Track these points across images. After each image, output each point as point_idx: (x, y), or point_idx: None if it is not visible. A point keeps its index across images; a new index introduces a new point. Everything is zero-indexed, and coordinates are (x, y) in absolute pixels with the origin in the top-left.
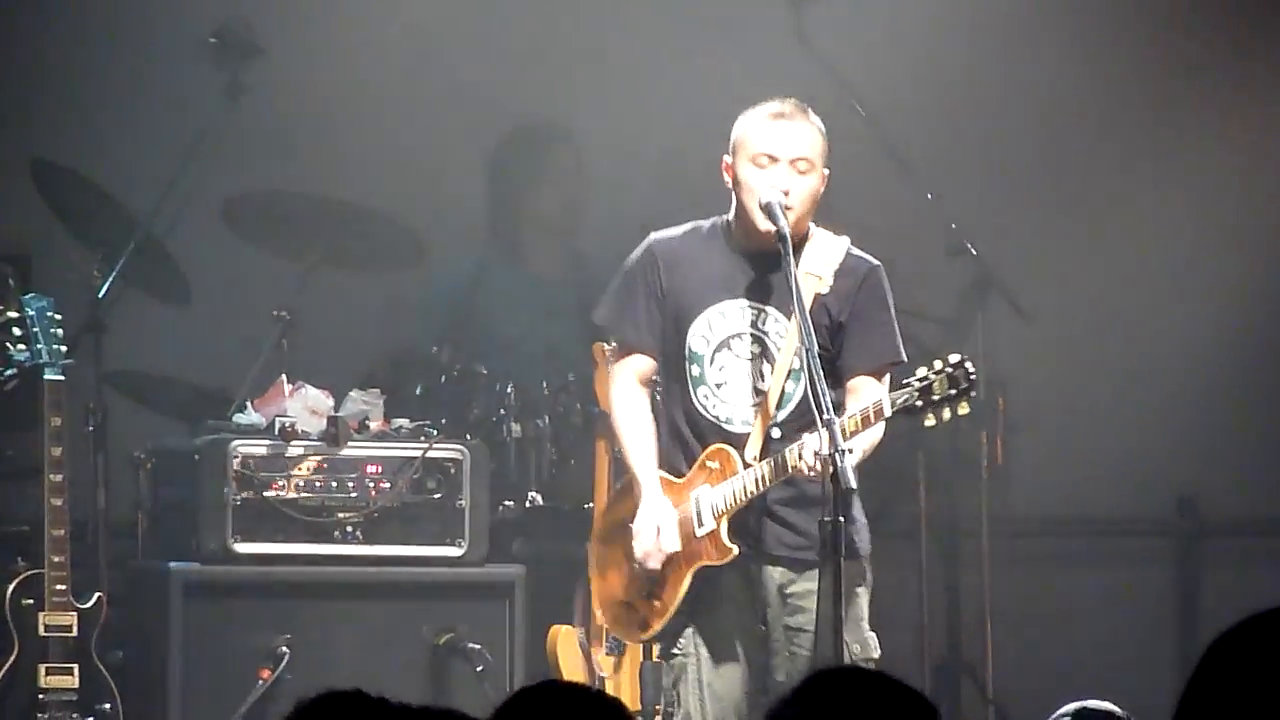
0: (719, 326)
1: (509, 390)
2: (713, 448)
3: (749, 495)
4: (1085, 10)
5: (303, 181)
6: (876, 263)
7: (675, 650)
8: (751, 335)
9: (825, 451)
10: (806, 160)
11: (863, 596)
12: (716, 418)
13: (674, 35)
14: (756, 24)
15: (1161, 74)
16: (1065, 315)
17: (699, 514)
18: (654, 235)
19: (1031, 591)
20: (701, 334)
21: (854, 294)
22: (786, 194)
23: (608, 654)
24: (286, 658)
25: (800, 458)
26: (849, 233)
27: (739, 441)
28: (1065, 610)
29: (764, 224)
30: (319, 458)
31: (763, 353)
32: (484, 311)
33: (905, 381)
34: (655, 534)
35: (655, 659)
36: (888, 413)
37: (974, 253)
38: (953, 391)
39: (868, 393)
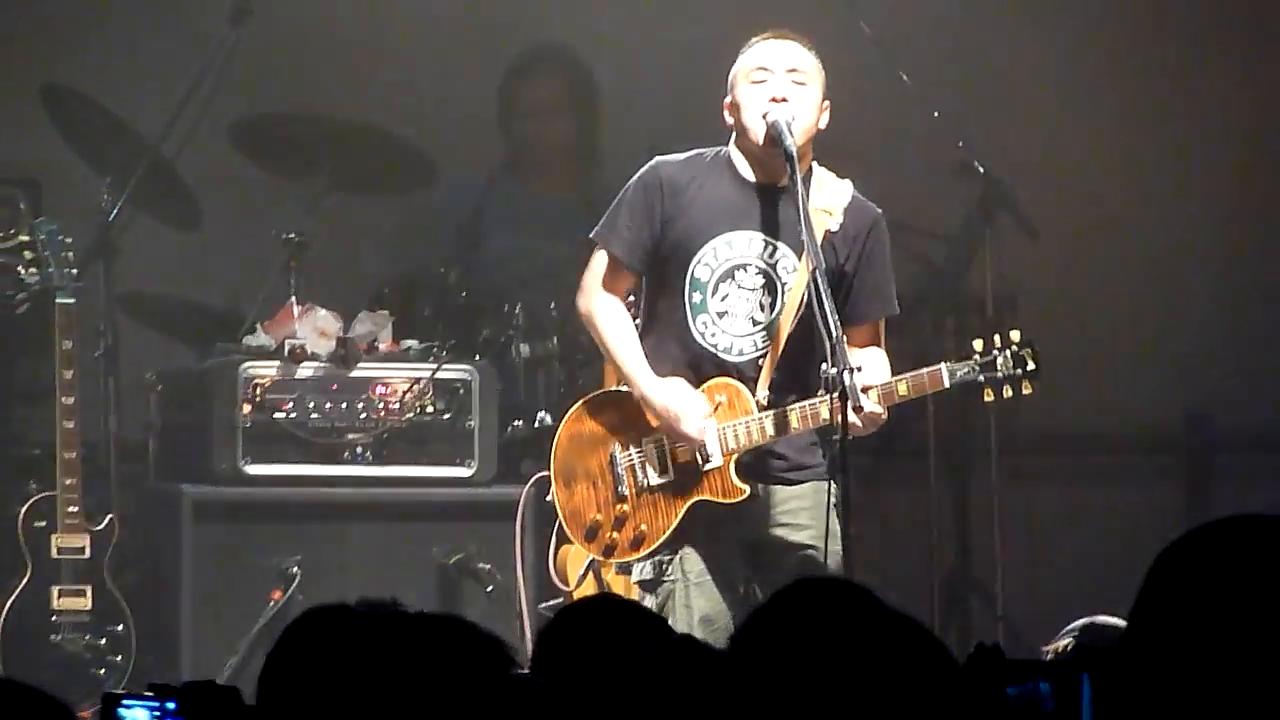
0: (725, 256)
1: (517, 311)
2: (718, 381)
3: (766, 438)
4: None
5: (311, 104)
6: (879, 211)
7: (664, 577)
8: (758, 268)
9: (833, 370)
10: (802, 72)
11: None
12: (714, 346)
13: None
14: None
15: None
16: (1072, 232)
17: (706, 447)
18: (659, 159)
19: (1040, 508)
20: (706, 262)
21: (863, 239)
22: (785, 100)
23: (618, 573)
24: (298, 578)
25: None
26: (857, 154)
27: (736, 372)
28: (1074, 526)
29: (763, 137)
30: (328, 379)
31: (766, 285)
32: (489, 232)
33: (965, 353)
34: (694, 409)
35: (633, 584)
36: (947, 384)
37: (981, 170)
38: (1018, 371)
39: (870, 346)
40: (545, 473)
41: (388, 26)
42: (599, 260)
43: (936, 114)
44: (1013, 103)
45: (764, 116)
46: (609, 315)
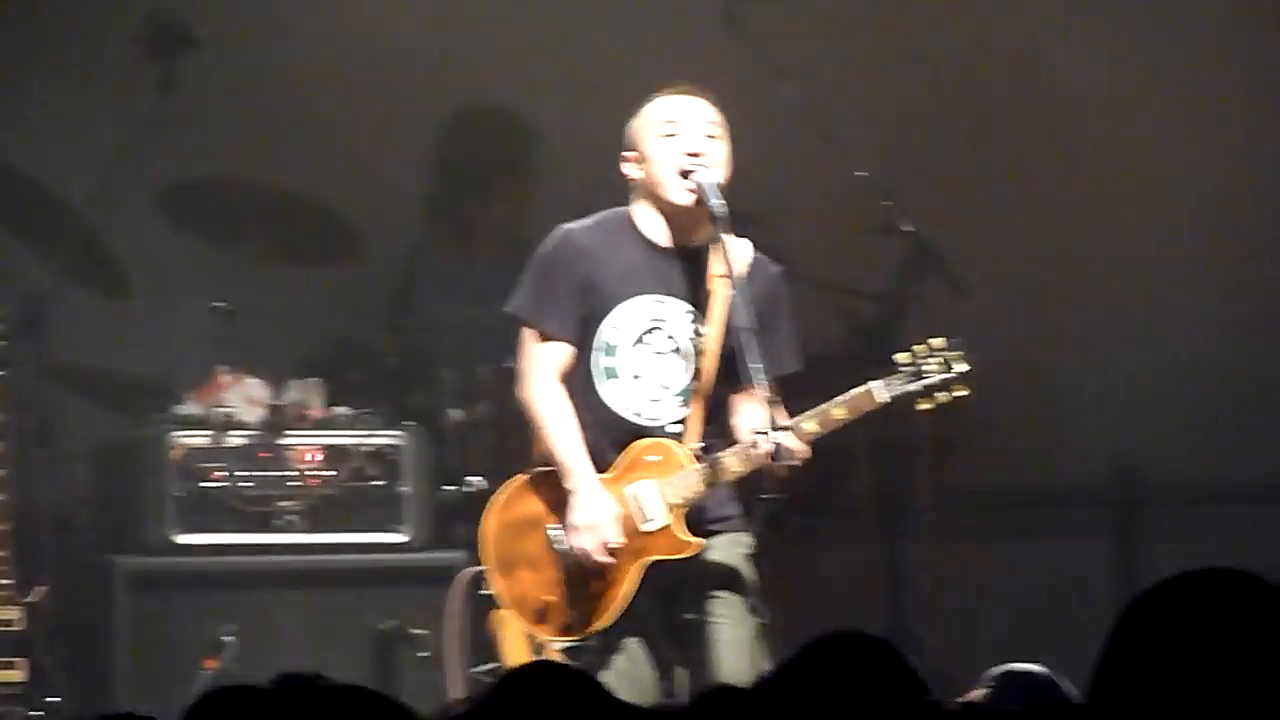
0: (635, 320)
1: (450, 375)
2: (649, 441)
3: (704, 490)
4: None
5: (238, 172)
6: (780, 267)
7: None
8: (667, 332)
9: (767, 429)
10: (715, 124)
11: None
12: (625, 410)
13: (604, 21)
14: (684, 6)
15: (1094, 46)
16: (1001, 288)
17: (643, 508)
18: (565, 227)
19: (972, 563)
20: (616, 326)
21: (763, 297)
22: (702, 154)
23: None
24: (231, 647)
25: (774, 447)
26: (780, 214)
27: (657, 436)
28: (1006, 580)
29: (680, 197)
30: (259, 447)
31: (677, 349)
32: (419, 297)
33: (897, 368)
34: (602, 529)
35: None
36: (883, 398)
37: (908, 229)
38: (949, 375)
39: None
40: (476, 568)
41: (315, 94)
42: (531, 340)
43: (864, 173)
44: (940, 157)
45: (683, 174)
46: (550, 403)
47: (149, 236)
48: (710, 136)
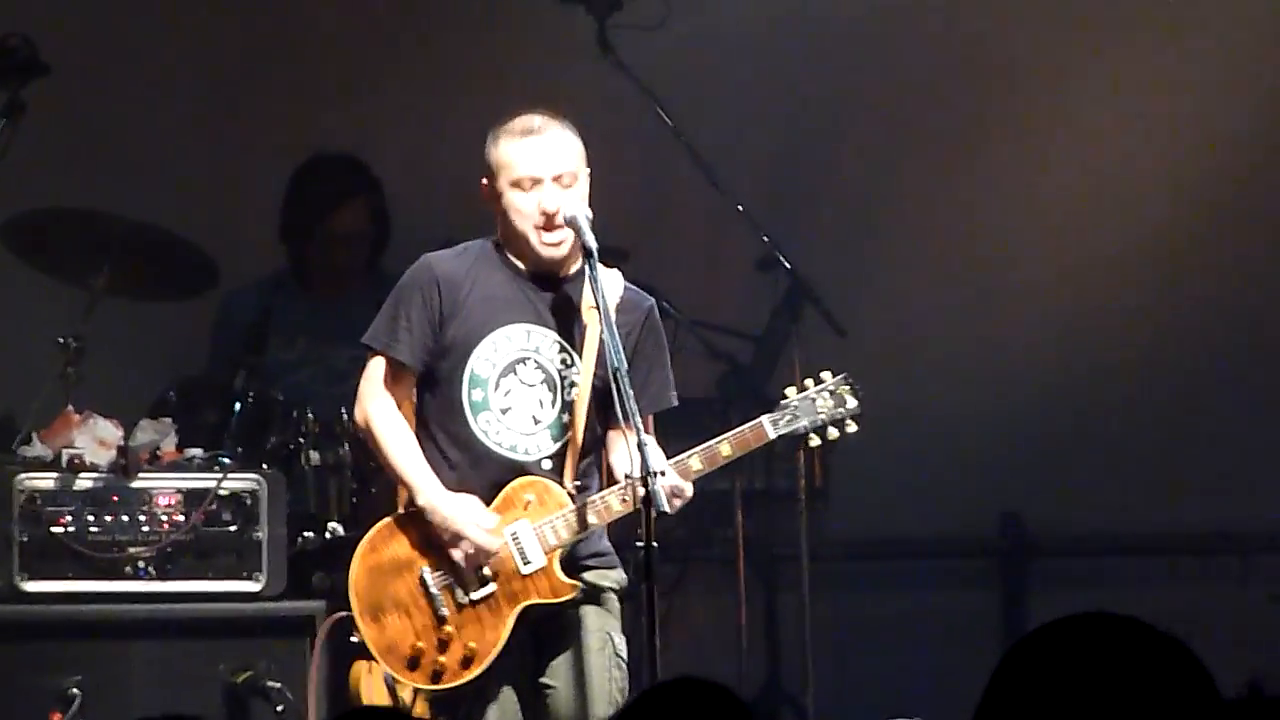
0: (505, 350)
1: (308, 417)
2: (524, 479)
3: (587, 528)
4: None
5: (87, 202)
6: (652, 300)
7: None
8: (536, 362)
9: (636, 474)
10: (569, 174)
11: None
12: (499, 445)
13: (473, 52)
14: (558, 36)
15: (975, 85)
16: (882, 329)
17: (522, 550)
18: (429, 256)
19: (852, 615)
20: (486, 357)
21: (635, 332)
22: (555, 213)
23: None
24: (78, 700)
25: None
26: (657, 245)
27: (524, 471)
28: (887, 633)
29: (543, 250)
30: (109, 491)
31: (546, 380)
32: (275, 337)
33: (785, 403)
34: (482, 531)
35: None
36: (772, 435)
37: (787, 266)
38: (840, 411)
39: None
40: (342, 614)
41: (167, 125)
42: (376, 366)
43: (740, 208)
44: (820, 198)
45: (540, 229)
46: (388, 423)
47: None
48: (567, 185)
